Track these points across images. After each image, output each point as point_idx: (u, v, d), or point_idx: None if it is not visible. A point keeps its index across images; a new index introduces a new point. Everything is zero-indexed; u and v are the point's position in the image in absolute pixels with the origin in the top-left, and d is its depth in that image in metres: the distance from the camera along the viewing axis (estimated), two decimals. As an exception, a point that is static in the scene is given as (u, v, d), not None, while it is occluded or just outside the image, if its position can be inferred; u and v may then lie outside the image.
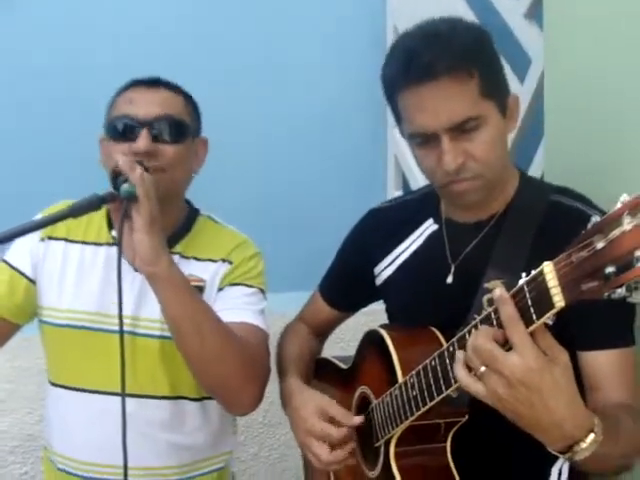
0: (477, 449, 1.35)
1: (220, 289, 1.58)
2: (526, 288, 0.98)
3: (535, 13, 2.20)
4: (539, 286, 0.95)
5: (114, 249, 1.56)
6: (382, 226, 1.57)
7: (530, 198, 1.38)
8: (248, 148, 2.76)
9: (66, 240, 1.60)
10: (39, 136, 2.50)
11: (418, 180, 2.85)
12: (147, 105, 1.52)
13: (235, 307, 1.55)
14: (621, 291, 0.86)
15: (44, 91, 2.48)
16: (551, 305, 0.94)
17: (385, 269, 1.54)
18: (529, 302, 0.97)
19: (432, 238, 1.47)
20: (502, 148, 1.34)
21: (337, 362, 1.66)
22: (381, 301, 1.63)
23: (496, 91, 1.31)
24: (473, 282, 1.31)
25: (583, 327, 1.26)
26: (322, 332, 1.76)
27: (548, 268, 0.94)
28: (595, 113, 1.55)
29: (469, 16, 2.22)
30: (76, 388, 1.58)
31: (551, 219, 1.31)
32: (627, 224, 0.84)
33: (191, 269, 1.56)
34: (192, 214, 1.65)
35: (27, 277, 1.60)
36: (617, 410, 1.20)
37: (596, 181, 1.47)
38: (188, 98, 1.61)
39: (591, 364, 1.28)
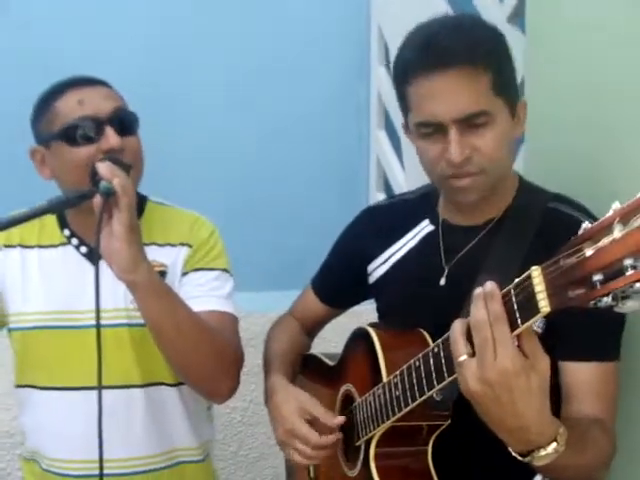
0: (459, 455, 1.35)
1: (184, 274, 1.58)
2: (513, 291, 0.98)
3: (518, 17, 2.22)
4: (526, 290, 0.95)
5: (69, 248, 1.59)
6: (378, 224, 1.56)
7: (528, 204, 1.37)
8: (232, 148, 2.76)
9: (21, 246, 1.61)
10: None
11: (399, 182, 2.86)
12: (99, 102, 1.49)
13: (202, 295, 1.55)
14: (607, 300, 0.84)
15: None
16: (537, 310, 0.93)
17: (378, 267, 1.53)
18: (515, 306, 0.97)
19: (427, 239, 1.46)
20: (507, 149, 1.34)
21: (324, 359, 1.65)
22: (369, 301, 1.62)
23: (507, 91, 1.31)
24: (466, 285, 1.29)
25: (568, 337, 1.26)
26: (312, 328, 1.75)
27: (536, 272, 0.93)
28: (575, 119, 1.57)
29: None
30: (52, 387, 1.58)
31: (548, 226, 1.30)
32: (617, 232, 0.82)
33: (153, 255, 1.54)
34: (141, 201, 1.62)
35: None
36: (588, 423, 1.21)
37: (575, 187, 1.48)
38: (116, 90, 1.57)
39: (571, 375, 1.27)
